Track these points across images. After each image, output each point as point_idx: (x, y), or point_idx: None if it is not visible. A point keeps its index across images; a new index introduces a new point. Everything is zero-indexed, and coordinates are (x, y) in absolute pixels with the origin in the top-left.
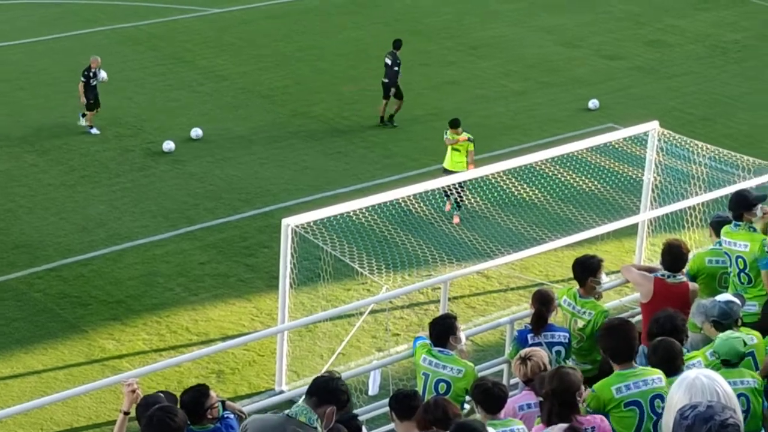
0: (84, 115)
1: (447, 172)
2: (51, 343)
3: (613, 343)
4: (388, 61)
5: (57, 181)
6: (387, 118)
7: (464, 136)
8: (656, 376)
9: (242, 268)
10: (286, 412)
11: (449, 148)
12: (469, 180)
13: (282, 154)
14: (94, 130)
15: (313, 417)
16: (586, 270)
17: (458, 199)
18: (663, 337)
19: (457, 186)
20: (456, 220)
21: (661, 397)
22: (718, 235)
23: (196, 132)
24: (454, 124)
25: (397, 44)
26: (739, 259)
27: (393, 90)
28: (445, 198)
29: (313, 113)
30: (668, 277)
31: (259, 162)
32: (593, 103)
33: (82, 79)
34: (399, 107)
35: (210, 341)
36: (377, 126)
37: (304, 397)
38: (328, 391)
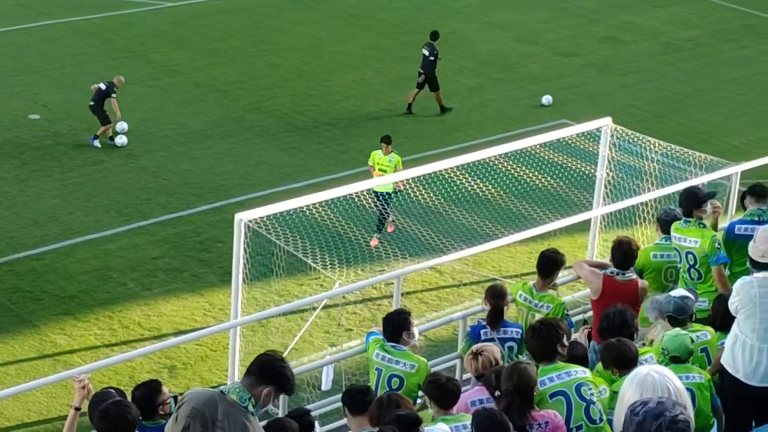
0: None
1: (376, 193)
2: (2, 338)
3: (536, 344)
4: (426, 52)
5: (9, 175)
6: (441, 110)
7: (390, 158)
8: (579, 368)
9: (195, 263)
10: (221, 388)
11: (376, 169)
12: (424, 175)
13: (236, 149)
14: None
15: (245, 396)
16: (557, 264)
17: (380, 223)
18: (619, 338)
19: (385, 204)
20: (374, 242)
21: (587, 385)
22: (664, 231)
23: (122, 126)
24: (387, 140)
25: (435, 35)
26: (689, 255)
27: (425, 81)
28: (380, 227)
29: (268, 108)
30: (617, 274)
31: (213, 157)
32: (546, 99)
33: (113, 95)
34: (438, 97)
35: (162, 336)
36: (332, 121)
37: (243, 374)
38: (267, 371)
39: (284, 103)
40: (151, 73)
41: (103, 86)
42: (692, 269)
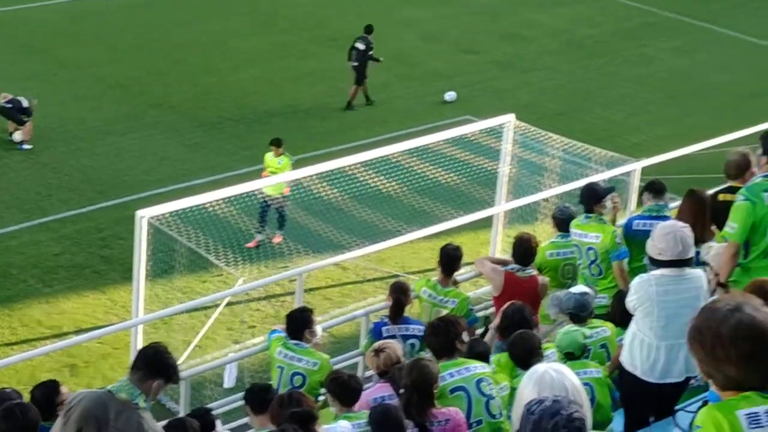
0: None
1: (266, 196)
2: None
3: (435, 341)
4: (360, 46)
5: None
6: (348, 104)
7: (279, 160)
8: (478, 364)
9: (97, 260)
10: (108, 387)
11: (267, 171)
12: (327, 171)
13: (138, 145)
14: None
15: (136, 393)
16: (457, 260)
17: (280, 218)
18: (523, 330)
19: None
20: (278, 239)
21: (486, 380)
22: (559, 228)
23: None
24: (278, 143)
25: (369, 29)
26: (590, 251)
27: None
28: (260, 230)
29: (170, 104)
30: (518, 270)
31: (115, 153)
32: (449, 95)
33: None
34: (356, 91)
35: (63, 334)
36: (236, 117)
37: (129, 370)
38: (154, 364)
39: (187, 99)
40: (51, 69)
41: (24, 103)
42: (593, 265)
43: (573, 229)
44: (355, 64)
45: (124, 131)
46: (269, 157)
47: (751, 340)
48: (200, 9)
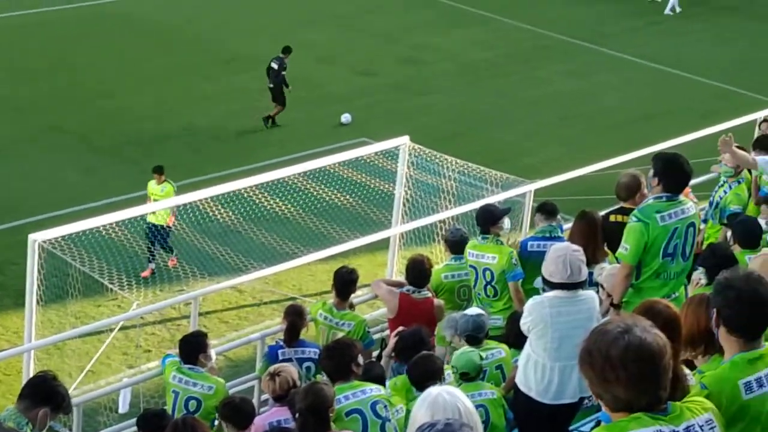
0: None
1: (150, 225)
2: None
3: (330, 364)
4: (275, 66)
5: None
6: (269, 121)
7: (162, 187)
8: (374, 386)
9: None
10: None
11: (151, 199)
12: (224, 193)
13: (33, 169)
14: None
15: (22, 421)
16: (352, 283)
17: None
18: (427, 352)
19: (160, 238)
20: (172, 262)
21: (382, 403)
22: (452, 251)
23: None
24: (159, 171)
25: (287, 49)
26: (487, 272)
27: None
28: (151, 258)
29: (66, 127)
30: (413, 292)
31: (8, 176)
32: (345, 118)
33: None
34: (278, 111)
35: None
36: (133, 140)
37: (17, 399)
38: (41, 392)
39: (83, 122)
40: None
41: None
42: (489, 286)
43: (470, 250)
44: (270, 85)
45: (18, 154)
46: (152, 185)
47: (639, 362)
48: (98, 32)
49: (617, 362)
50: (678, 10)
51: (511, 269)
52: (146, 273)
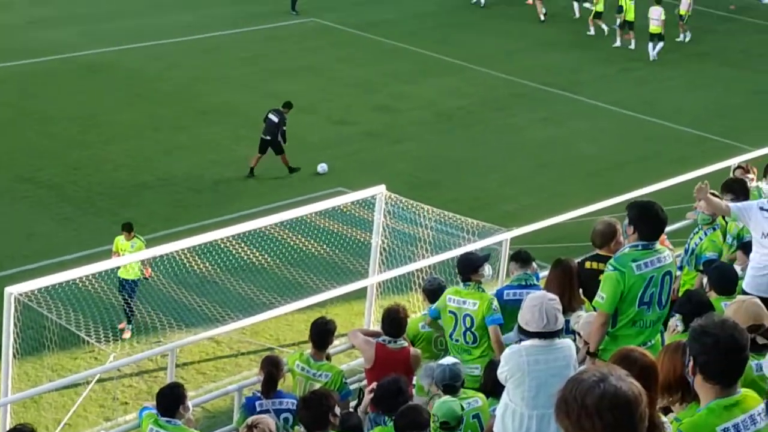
0: None
1: (122, 280)
2: None
3: (308, 414)
4: (274, 118)
5: None
6: (289, 170)
7: (132, 243)
8: None
9: None
10: None
11: (119, 253)
12: (200, 244)
13: (6, 221)
14: None
15: None
16: (328, 333)
17: (128, 312)
18: (414, 404)
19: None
20: (126, 334)
21: None
22: (430, 300)
23: None
24: (128, 228)
25: (288, 105)
26: (467, 318)
27: (271, 146)
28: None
29: (40, 179)
30: (389, 342)
31: None
32: (322, 167)
33: None
34: (285, 159)
35: None
36: (108, 191)
37: None
38: None
39: (58, 174)
40: None
41: None
42: (468, 332)
43: (451, 296)
44: (267, 137)
45: None
46: (121, 241)
47: (615, 410)
48: (72, 83)
49: (593, 410)
50: (653, 57)
51: (490, 314)
52: (126, 333)
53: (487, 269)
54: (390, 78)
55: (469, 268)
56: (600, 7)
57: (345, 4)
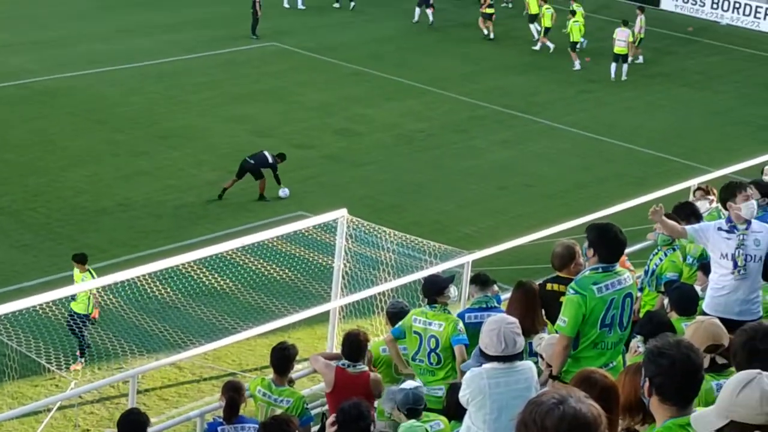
0: None
1: (71, 313)
2: None
3: None
4: (269, 159)
5: None
6: (260, 196)
7: (84, 276)
8: None
9: None
10: None
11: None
12: (161, 270)
13: None
14: None
15: None
16: (289, 359)
17: (81, 344)
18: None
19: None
20: (77, 366)
21: None
22: (392, 323)
23: None
24: (80, 260)
25: (282, 156)
26: (432, 339)
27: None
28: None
29: None
30: (348, 366)
31: None
32: (283, 192)
33: None
34: (262, 185)
35: None
36: (67, 218)
37: None
38: None
39: (15, 200)
40: None
41: None
42: (433, 353)
43: (417, 316)
44: (252, 162)
45: None
46: (76, 273)
47: None
48: (29, 108)
49: None
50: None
51: (456, 334)
52: (76, 365)
53: (452, 291)
54: (350, 101)
55: (434, 290)
56: (547, 23)
57: (304, 28)
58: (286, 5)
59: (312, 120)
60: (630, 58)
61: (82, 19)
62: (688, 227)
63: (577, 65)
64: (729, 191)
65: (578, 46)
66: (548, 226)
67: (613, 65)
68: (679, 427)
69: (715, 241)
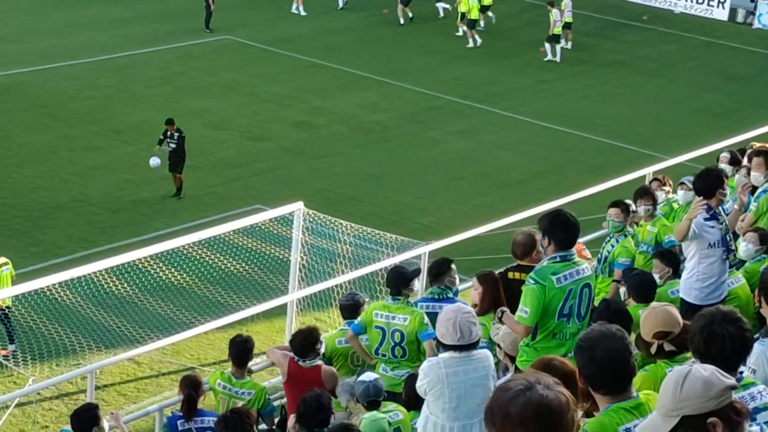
0: None
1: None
2: None
3: None
4: (176, 139)
5: None
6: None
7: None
8: None
9: None
10: None
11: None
12: (118, 265)
13: None
14: None
15: None
16: (247, 351)
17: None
18: (346, 422)
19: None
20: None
21: None
22: (346, 316)
23: None
24: None
25: (170, 121)
26: (396, 333)
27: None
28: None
29: None
30: (299, 360)
31: None
32: (154, 161)
33: None
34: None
35: None
36: (23, 214)
37: None
38: None
39: None
40: None
41: None
42: (397, 347)
43: (378, 311)
44: (174, 146)
45: None
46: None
47: (540, 420)
48: None
49: (516, 420)
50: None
51: (423, 329)
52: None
53: (416, 284)
54: (306, 93)
55: (401, 281)
56: (464, 8)
57: (259, 20)
58: None
59: (268, 112)
60: (565, 42)
61: (36, 14)
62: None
63: (471, 43)
64: (719, 179)
65: (476, 24)
66: (506, 216)
67: (555, 47)
68: (624, 410)
69: (705, 233)
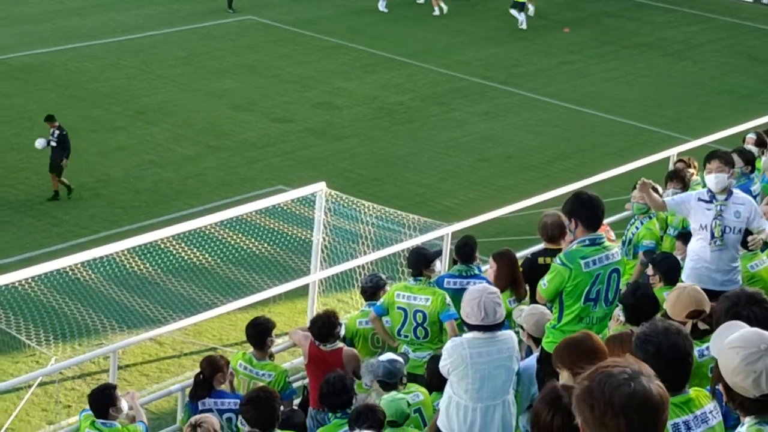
0: None
1: None
2: None
3: (255, 414)
4: (46, 142)
5: None
6: (68, 190)
7: None
8: None
9: None
10: None
11: None
12: (140, 245)
13: None
14: None
15: None
16: (267, 332)
17: None
18: (370, 403)
19: None
20: None
21: None
22: (368, 297)
23: None
24: None
25: (50, 117)
26: (419, 314)
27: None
28: None
29: None
30: (320, 344)
31: None
32: (40, 143)
33: None
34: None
35: None
36: (47, 194)
37: None
38: None
39: None
40: None
41: None
42: (420, 327)
43: (400, 292)
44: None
45: None
46: None
47: (642, 414)
48: (6, 85)
49: (619, 410)
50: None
51: (445, 309)
52: None
53: (438, 265)
54: (329, 75)
55: (422, 262)
56: None
57: (282, 1)
58: None
59: (291, 94)
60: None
61: None
62: (667, 200)
63: (437, 11)
64: (705, 160)
65: (525, 8)
66: (529, 197)
67: (520, 14)
68: (675, 405)
69: (696, 211)
